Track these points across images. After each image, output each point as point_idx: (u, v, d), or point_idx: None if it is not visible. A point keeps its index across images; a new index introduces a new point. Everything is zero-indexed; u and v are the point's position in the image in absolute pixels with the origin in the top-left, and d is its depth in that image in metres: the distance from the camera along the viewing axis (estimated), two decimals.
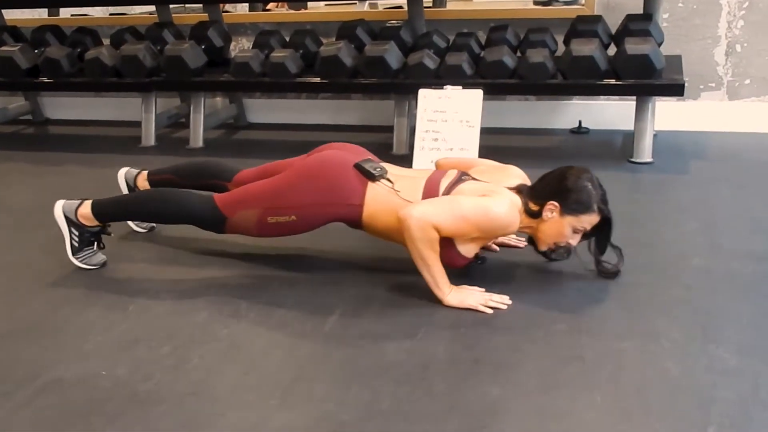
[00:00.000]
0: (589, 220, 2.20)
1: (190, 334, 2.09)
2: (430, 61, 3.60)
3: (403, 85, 3.66)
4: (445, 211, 2.13)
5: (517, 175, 2.40)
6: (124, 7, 4.80)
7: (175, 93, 4.57)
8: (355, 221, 2.34)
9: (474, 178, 2.32)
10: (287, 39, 4.12)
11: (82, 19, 4.88)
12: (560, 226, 2.20)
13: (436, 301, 2.18)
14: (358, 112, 4.45)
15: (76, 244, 2.51)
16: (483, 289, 2.23)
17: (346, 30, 3.96)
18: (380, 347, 1.97)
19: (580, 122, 4.15)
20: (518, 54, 3.69)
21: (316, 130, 4.41)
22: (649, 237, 2.65)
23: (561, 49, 3.67)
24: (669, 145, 3.80)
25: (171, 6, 4.40)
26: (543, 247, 2.28)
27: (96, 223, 2.50)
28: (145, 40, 4.15)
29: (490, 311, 2.13)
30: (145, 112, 4.20)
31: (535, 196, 2.24)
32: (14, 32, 4.58)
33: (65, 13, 4.98)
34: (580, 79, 3.44)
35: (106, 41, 4.41)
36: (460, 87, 3.52)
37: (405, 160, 3.53)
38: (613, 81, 3.44)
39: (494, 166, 2.48)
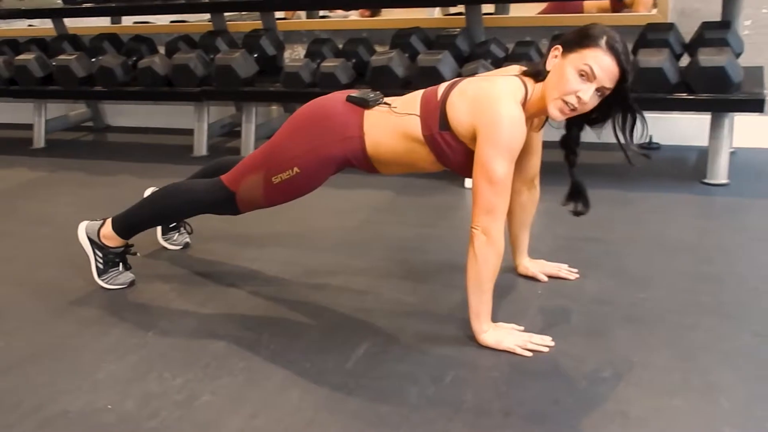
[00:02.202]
0: (595, 56, 1.78)
1: (205, 365, 1.97)
2: (485, 72, 3.39)
3: None
4: (495, 191, 1.86)
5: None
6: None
7: (230, 101, 4.51)
8: (360, 157, 2.10)
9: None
10: (340, 47, 3.99)
11: (143, 27, 4.88)
12: (561, 68, 1.82)
13: (470, 337, 2.00)
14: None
15: (101, 266, 2.44)
16: (522, 328, 2.04)
17: (401, 38, 3.80)
18: (403, 391, 1.80)
19: (650, 137, 3.87)
20: None
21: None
22: (718, 271, 2.40)
23: None
24: (748, 164, 3.49)
25: (227, 14, 4.33)
26: (554, 111, 1.86)
27: (119, 242, 2.42)
28: (197, 49, 4.10)
29: (529, 354, 1.93)
30: (197, 122, 4.15)
31: (543, 58, 1.93)
32: (74, 41, 4.61)
33: (127, 20, 5.00)
34: (647, 93, 3.18)
35: (163, 49, 4.39)
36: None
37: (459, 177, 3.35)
38: (684, 95, 3.17)
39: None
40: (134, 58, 4.28)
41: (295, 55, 4.46)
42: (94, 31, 4.74)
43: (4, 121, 5.36)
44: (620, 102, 1.91)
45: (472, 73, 3.35)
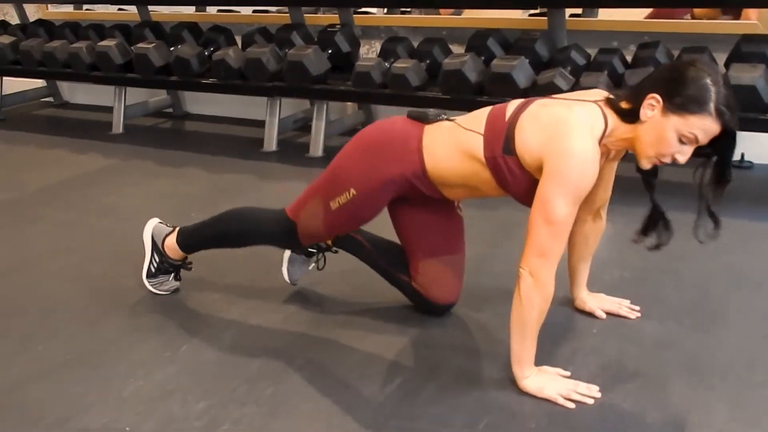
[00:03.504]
0: (702, 125, 1.65)
1: (232, 390, 1.91)
2: (563, 81, 3.21)
3: None
4: (552, 232, 1.73)
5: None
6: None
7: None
8: (420, 175, 1.96)
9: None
10: (415, 46, 3.87)
11: (224, 16, 4.86)
12: (661, 129, 1.69)
13: (512, 379, 1.87)
14: None
15: (153, 270, 2.40)
16: (568, 374, 1.89)
17: (478, 40, 3.64)
18: None
19: (742, 154, 3.59)
20: None
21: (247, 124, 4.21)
22: None
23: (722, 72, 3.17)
24: None
25: (306, 6, 4.27)
26: (644, 163, 1.76)
27: (179, 255, 2.36)
28: (272, 42, 4.06)
29: (572, 405, 1.78)
30: (268, 116, 4.11)
31: (633, 93, 1.76)
32: (156, 28, 4.64)
33: (211, 8, 5.00)
34: (739, 112, 2.92)
35: (240, 40, 4.37)
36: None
37: None
38: None
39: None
40: (211, 49, 4.28)
41: (372, 51, 4.36)
42: (178, 17, 4.77)
43: (88, 102, 5.48)
44: (718, 153, 1.77)
45: (548, 82, 3.20)
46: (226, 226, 2.28)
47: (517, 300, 1.79)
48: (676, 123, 1.67)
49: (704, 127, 1.66)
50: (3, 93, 5.21)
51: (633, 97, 1.74)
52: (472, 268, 2.47)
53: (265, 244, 2.28)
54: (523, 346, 1.82)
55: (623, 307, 2.22)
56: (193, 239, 2.33)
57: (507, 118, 1.86)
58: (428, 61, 3.68)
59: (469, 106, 3.44)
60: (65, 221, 3.21)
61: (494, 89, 3.34)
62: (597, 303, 2.23)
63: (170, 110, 5.13)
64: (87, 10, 5.44)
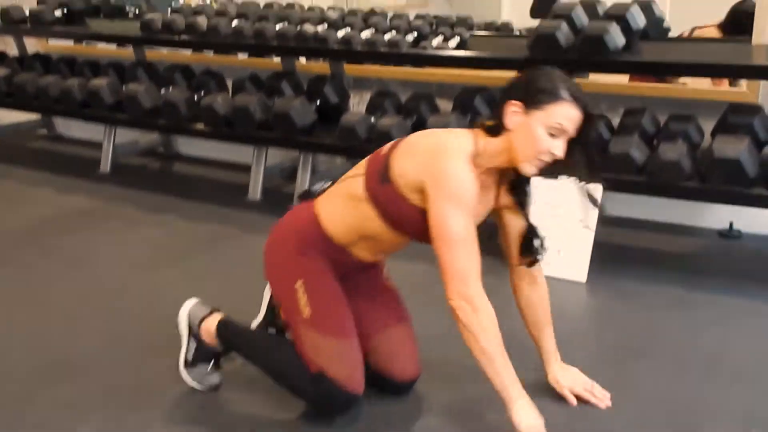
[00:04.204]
0: (562, 112, 1.76)
1: None
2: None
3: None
4: (458, 252, 1.76)
5: None
6: None
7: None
8: (326, 240, 1.96)
9: None
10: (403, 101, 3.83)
11: (217, 59, 4.84)
12: (529, 128, 1.77)
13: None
14: None
15: (191, 359, 2.19)
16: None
17: (464, 97, 3.61)
18: None
19: (731, 223, 3.52)
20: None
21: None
22: None
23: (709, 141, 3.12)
24: None
25: None
26: (527, 168, 1.82)
27: (217, 343, 2.19)
28: (262, 90, 4.04)
29: None
30: (254, 165, 4.08)
31: (495, 110, 1.87)
32: (149, 68, 4.64)
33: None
34: (722, 185, 2.88)
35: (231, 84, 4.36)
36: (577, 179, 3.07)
37: None
38: (766, 192, 2.85)
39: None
40: (201, 93, 4.26)
41: (362, 102, 4.33)
42: (173, 58, 4.76)
43: (82, 136, 5.45)
44: (579, 140, 1.84)
45: None
46: (265, 350, 2.10)
47: (467, 333, 1.78)
48: (540, 118, 1.75)
49: (565, 113, 1.75)
50: None
51: (495, 112, 1.84)
52: (446, 337, 2.39)
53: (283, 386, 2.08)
54: (496, 370, 1.79)
55: (595, 392, 2.13)
56: (230, 339, 2.15)
57: (384, 152, 1.92)
58: (415, 118, 3.64)
59: None
60: (32, 268, 3.16)
61: None
62: (570, 382, 2.12)
63: (161, 149, 5.10)
64: (86, 44, 5.44)
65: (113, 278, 3.05)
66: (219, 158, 4.87)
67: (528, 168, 1.81)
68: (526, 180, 1.93)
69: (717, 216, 3.54)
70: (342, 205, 1.94)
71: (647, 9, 3.33)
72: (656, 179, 2.98)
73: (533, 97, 1.76)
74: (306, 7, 4.43)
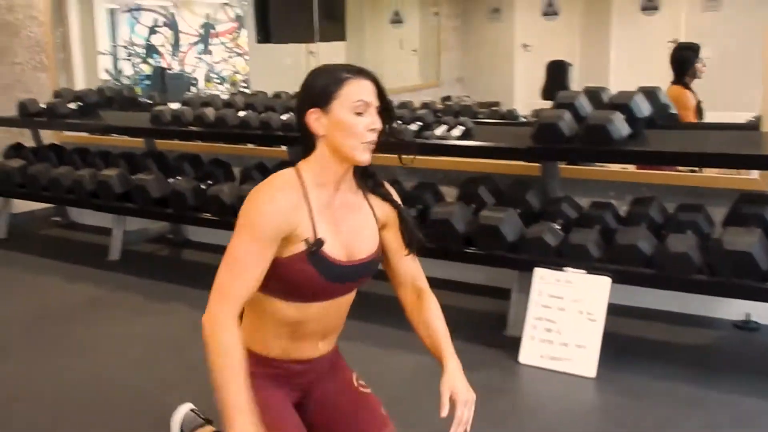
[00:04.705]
0: (354, 89, 1.71)
1: None
2: (552, 238, 3.11)
3: (519, 261, 3.19)
4: (228, 271, 1.69)
5: None
6: None
7: None
8: (261, 357, 1.84)
9: None
10: (408, 190, 3.81)
11: (225, 148, 4.87)
12: (337, 122, 1.71)
13: None
14: (485, 268, 3.98)
15: None
16: None
17: (469, 186, 3.58)
18: None
19: (747, 315, 3.40)
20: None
21: (439, 286, 3.96)
22: None
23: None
24: None
25: None
26: (359, 156, 1.73)
27: None
28: (260, 180, 4.04)
29: None
30: None
31: (297, 128, 1.80)
32: (159, 158, 4.69)
33: None
34: (734, 279, 2.79)
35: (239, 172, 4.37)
36: (584, 271, 3.00)
37: (516, 346, 3.05)
38: None
39: None
40: (209, 183, 4.28)
41: None
42: (182, 147, 4.81)
43: (94, 223, 5.46)
44: (385, 106, 1.79)
45: (536, 237, 3.12)
46: None
47: (206, 347, 1.66)
48: (339, 106, 1.70)
49: (356, 89, 1.71)
50: (13, 211, 5.26)
51: (301, 131, 1.77)
52: None
53: None
54: (222, 384, 1.62)
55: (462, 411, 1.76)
56: None
57: None
58: (420, 207, 3.61)
59: (457, 258, 3.39)
60: (34, 360, 3.12)
61: (482, 241, 3.24)
62: (447, 390, 1.76)
63: (171, 236, 5.11)
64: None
65: (116, 371, 3.01)
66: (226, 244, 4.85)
67: (360, 155, 1.74)
68: (369, 172, 1.88)
69: (733, 307, 3.41)
70: (249, 317, 1.87)
71: (652, 97, 3.31)
72: (665, 272, 2.89)
73: (322, 95, 1.72)
74: None
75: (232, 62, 11.82)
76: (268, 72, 6.49)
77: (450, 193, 3.78)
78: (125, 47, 12.16)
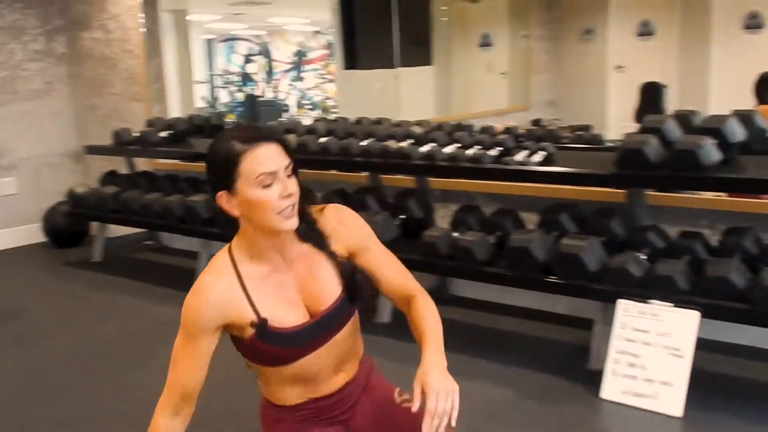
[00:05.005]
0: (253, 164, 1.57)
1: None
2: (636, 268, 2.96)
3: (601, 292, 3.06)
4: (170, 369, 1.73)
5: None
6: None
7: None
8: (284, 408, 1.83)
9: None
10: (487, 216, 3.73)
11: (314, 173, 4.91)
12: (248, 201, 1.60)
13: None
14: (568, 298, 3.85)
15: None
16: None
17: (551, 213, 3.47)
18: None
19: None
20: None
21: (521, 315, 3.88)
22: None
23: None
24: None
25: None
26: (282, 225, 1.61)
27: None
28: (347, 205, 4.04)
29: None
30: None
31: (219, 212, 1.69)
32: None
33: None
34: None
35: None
36: (671, 304, 2.84)
37: (599, 380, 2.91)
38: None
39: None
40: None
41: (449, 216, 4.26)
42: None
43: (184, 247, 5.58)
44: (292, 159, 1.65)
45: (620, 267, 2.97)
46: None
47: None
48: (242, 185, 1.59)
49: (254, 162, 1.57)
50: (108, 236, 5.47)
51: (219, 212, 1.67)
52: None
53: None
54: None
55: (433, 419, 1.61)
56: None
57: None
58: (499, 234, 3.52)
59: (536, 287, 3.29)
60: (126, 381, 3.20)
61: (562, 270, 3.13)
62: (419, 385, 1.63)
63: None
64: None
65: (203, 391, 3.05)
66: None
67: (282, 225, 1.62)
68: (303, 230, 1.72)
69: None
70: (259, 376, 1.86)
71: (748, 120, 3.12)
72: (759, 307, 2.70)
73: (223, 177, 1.61)
74: (393, 122, 4.47)
75: (324, 88, 12.06)
76: (356, 97, 6.55)
77: (531, 219, 3.68)
78: (221, 75, 12.59)
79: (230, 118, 10.40)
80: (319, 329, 1.74)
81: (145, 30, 5.61)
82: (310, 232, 1.73)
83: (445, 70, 7.86)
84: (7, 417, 3.06)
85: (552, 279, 3.18)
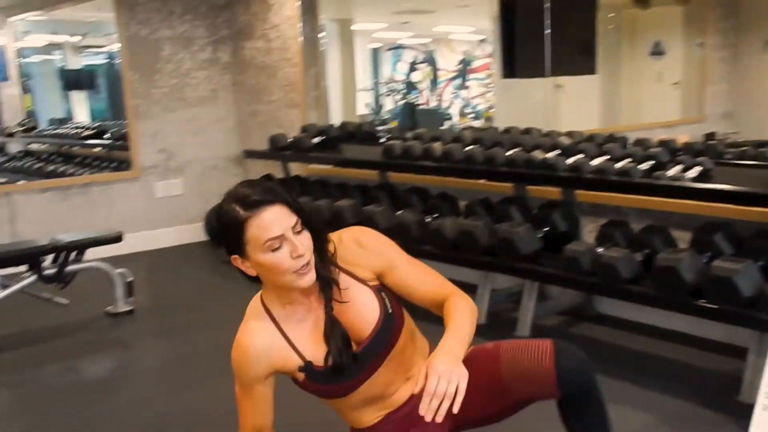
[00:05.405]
0: (259, 230, 1.57)
1: None
2: None
3: (756, 320, 2.81)
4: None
5: None
6: None
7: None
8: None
9: None
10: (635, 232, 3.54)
11: (452, 181, 4.87)
12: (261, 266, 1.62)
13: None
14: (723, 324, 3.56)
15: None
16: None
17: (704, 232, 3.23)
18: None
19: None
20: None
21: (670, 338, 3.64)
22: None
23: None
24: None
25: None
26: (299, 283, 1.63)
27: None
28: (490, 215, 3.99)
29: None
30: (479, 288, 3.99)
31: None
32: (390, 190, 4.80)
33: None
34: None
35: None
36: None
37: (749, 415, 2.67)
38: None
39: None
40: (435, 215, 4.29)
41: (596, 231, 4.08)
42: (414, 179, 4.88)
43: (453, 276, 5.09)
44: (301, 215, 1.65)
45: None
46: None
47: None
48: (252, 251, 1.60)
49: (260, 229, 1.58)
50: None
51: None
52: None
53: None
54: None
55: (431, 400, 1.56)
56: None
57: None
58: (646, 252, 3.33)
59: (683, 310, 3.08)
60: None
61: (712, 294, 2.90)
62: (425, 365, 1.63)
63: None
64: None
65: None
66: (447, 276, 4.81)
67: (299, 283, 1.63)
68: (321, 285, 1.71)
69: None
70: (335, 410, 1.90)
71: None
72: None
73: (232, 244, 1.62)
74: (543, 132, 4.36)
75: (487, 97, 11.99)
76: (515, 106, 6.48)
77: (684, 238, 3.45)
78: (386, 83, 12.85)
79: (393, 125, 10.60)
80: (368, 355, 1.73)
81: (303, 39, 5.82)
82: (325, 280, 1.71)
83: (612, 79, 7.61)
84: (152, 404, 3.27)
85: (701, 303, 2.96)
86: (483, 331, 3.64)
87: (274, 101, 6.19)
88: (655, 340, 3.65)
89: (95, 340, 4.11)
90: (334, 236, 1.76)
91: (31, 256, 4.08)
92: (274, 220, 1.58)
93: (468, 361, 1.69)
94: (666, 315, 3.50)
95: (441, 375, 1.55)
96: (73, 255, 4.17)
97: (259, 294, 1.78)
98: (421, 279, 1.80)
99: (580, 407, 1.78)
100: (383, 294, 1.76)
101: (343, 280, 1.72)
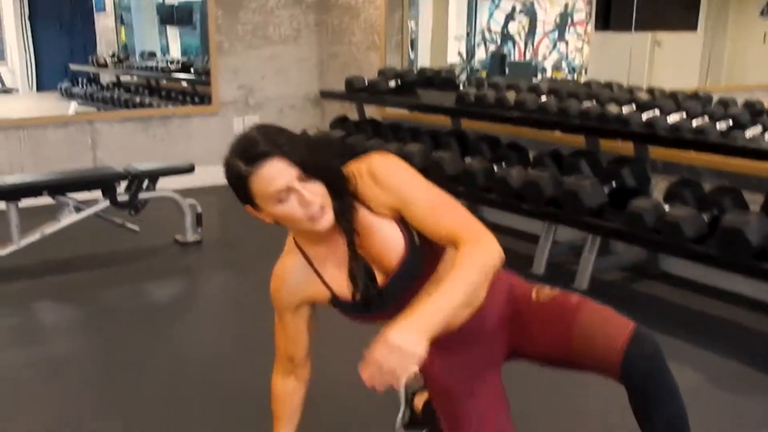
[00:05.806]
0: (261, 185, 1.55)
1: None
2: None
3: None
4: None
5: None
6: None
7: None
8: None
9: None
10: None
11: (532, 132, 4.79)
12: (271, 214, 1.62)
13: None
14: None
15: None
16: None
17: None
18: None
19: None
20: None
21: (733, 301, 3.51)
22: None
23: None
24: None
25: None
26: (315, 227, 1.62)
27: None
28: (559, 167, 3.92)
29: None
30: (542, 239, 3.96)
31: None
32: (461, 138, 4.76)
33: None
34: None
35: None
36: None
37: None
38: None
39: None
40: (503, 164, 4.24)
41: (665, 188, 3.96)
42: (487, 128, 4.82)
43: (517, 226, 4.70)
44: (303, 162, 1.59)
45: None
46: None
47: None
48: (261, 203, 1.60)
49: (262, 184, 1.56)
50: None
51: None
52: None
53: None
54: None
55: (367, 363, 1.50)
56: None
57: None
58: (714, 212, 3.21)
59: (745, 272, 2.97)
60: None
61: None
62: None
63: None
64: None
65: None
66: (510, 226, 4.70)
67: (315, 227, 1.61)
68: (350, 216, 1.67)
69: None
70: None
71: None
72: None
73: (242, 197, 1.62)
74: (625, 88, 4.22)
75: (585, 52, 11.62)
76: (609, 61, 6.30)
77: (757, 201, 3.31)
78: (481, 33, 12.61)
79: (483, 74, 10.45)
80: (396, 287, 1.71)
81: None
82: (345, 222, 1.67)
83: (716, 36, 7.25)
84: (213, 332, 3.40)
85: (766, 266, 2.85)
86: (541, 282, 3.64)
87: (355, 43, 6.18)
88: (717, 302, 3.57)
89: (163, 267, 4.29)
90: (356, 168, 1.70)
91: (105, 182, 4.25)
92: (275, 174, 1.55)
93: (546, 305, 1.77)
94: (730, 277, 3.40)
95: (376, 364, 1.47)
96: (145, 183, 4.33)
97: (289, 247, 1.82)
98: (437, 218, 1.64)
99: (647, 402, 1.70)
100: (410, 226, 1.72)
101: (365, 215, 1.69)
